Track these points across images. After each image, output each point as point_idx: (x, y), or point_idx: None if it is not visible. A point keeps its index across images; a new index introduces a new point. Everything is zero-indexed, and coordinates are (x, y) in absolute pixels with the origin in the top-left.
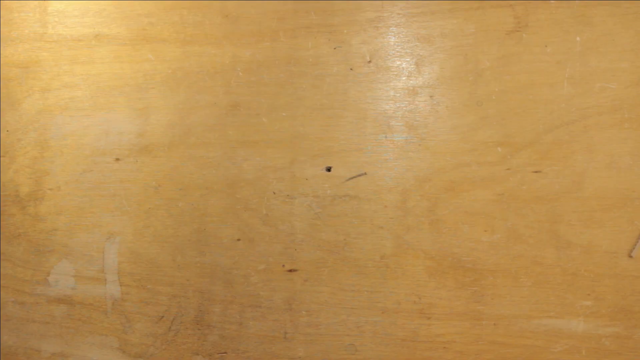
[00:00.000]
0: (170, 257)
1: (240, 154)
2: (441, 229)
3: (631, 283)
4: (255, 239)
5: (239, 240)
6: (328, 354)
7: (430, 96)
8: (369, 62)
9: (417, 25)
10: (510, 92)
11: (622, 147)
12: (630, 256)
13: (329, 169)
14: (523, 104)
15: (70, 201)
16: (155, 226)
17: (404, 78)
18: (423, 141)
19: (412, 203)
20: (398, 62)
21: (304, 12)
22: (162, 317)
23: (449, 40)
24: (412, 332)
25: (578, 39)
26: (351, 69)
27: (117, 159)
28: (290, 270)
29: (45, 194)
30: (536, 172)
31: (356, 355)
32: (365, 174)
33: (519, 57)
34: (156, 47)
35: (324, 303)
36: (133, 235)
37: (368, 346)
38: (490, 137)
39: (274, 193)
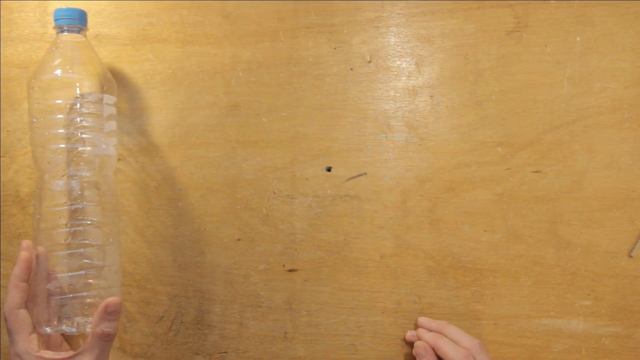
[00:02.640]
0: (170, 257)
1: (240, 154)
2: (441, 229)
3: (631, 283)
4: (255, 239)
5: (239, 240)
6: (328, 354)
7: (430, 96)
8: (369, 62)
9: (417, 25)
10: (510, 92)
11: (622, 147)
12: (630, 256)
13: (329, 169)
14: (523, 104)
15: None
16: (155, 226)
17: (404, 78)
18: (423, 141)
19: (412, 203)
20: (398, 62)
21: (304, 12)
22: (163, 317)
23: (449, 40)
24: None
25: (578, 39)
26: (351, 69)
27: (117, 159)
28: (290, 270)
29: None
30: (536, 172)
31: (356, 355)
32: (365, 174)
33: (519, 57)
34: (156, 47)
35: (324, 303)
36: (133, 235)
37: (368, 346)
38: (490, 137)
39: (274, 193)
